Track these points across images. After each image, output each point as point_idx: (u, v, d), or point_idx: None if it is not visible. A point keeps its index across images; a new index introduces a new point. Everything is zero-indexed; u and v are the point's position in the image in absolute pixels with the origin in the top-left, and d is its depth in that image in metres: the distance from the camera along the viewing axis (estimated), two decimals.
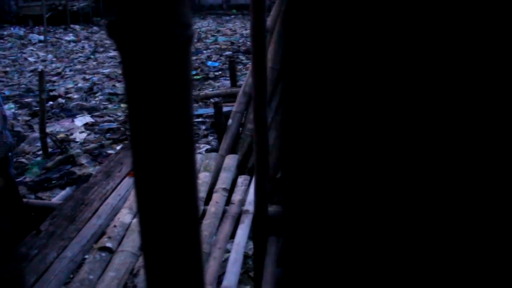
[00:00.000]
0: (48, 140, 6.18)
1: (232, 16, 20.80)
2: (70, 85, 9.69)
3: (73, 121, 7.42)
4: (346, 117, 0.37)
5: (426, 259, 0.38)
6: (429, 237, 0.38)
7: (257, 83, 2.80)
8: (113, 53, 12.84)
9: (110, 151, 6.10)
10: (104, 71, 10.91)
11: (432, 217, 0.38)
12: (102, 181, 3.75)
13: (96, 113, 7.81)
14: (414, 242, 0.38)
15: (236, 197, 3.53)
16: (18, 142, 6.26)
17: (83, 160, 5.98)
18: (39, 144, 6.23)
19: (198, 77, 9.73)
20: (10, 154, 3.35)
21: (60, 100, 8.55)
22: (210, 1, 22.53)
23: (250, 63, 7.51)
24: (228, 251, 3.07)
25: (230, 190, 3.70)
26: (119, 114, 7.76)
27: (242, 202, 3.47)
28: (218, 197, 3.52)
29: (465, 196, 0.37)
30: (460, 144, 0.36)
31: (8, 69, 11.46)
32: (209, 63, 11.21)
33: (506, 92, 0.35)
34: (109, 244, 2.84)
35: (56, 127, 7.10)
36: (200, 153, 5.26)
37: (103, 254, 2.76)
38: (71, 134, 6.92)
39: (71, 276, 2.83)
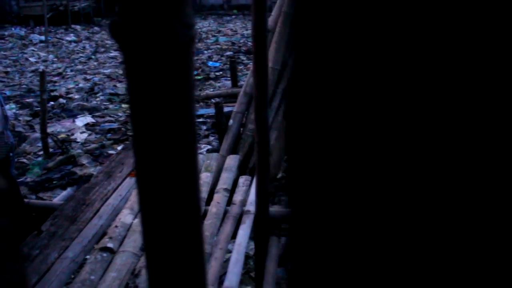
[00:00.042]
0: (49, 140, 6.18)
1: (233, 16, 20.80)
2: (71, 86, 9.69)
3: (74, 121, 7.42)
4: (352, 116, 0.37)
5: (431, 258, 0.38)
6: (432, 235, 0.38)
7: (258, 83, 2.79)
8: (114, 54, 12.85)
9: (111, 152, 6.10)
10: (105, 71, 10.91)
11: (435, 216, 0.37)
12: (103, 182, 3.75)
13: (97, 114, 7.81)
14: (422, 240, 0.38)
15: (237, 197, 3.53)
16: (19, 143, 6.27)
17: (84, 161, 5.99)
18: (40, 144, 6.23)
19: (199, 77, 9.73)
20: (11, 154, 3.35)
21: (61, 100, 8.56)
22: (211, 1, 22.54)
23: (251, 64, 7.51)
24: (230, 252, 3.07)
25: (231, 191, 3.70)
26: (120, 114, 7.77)
27: (243, 202, 3.47)
28: (219, 197, 3.52)
29: (477, 199, 0.36)
30: (469, 147, 0.36)
31: (9, 69, 11.47)
32: (210, 63, 11.22)
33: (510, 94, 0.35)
34: (110, 245, 2.84)
35: (57, 127, 7.11)
36: (201, 153, 5.26)
37: (105, 255, 2.75)
38: (72, 134, 6.93)
39: (72, 276, 2.83)
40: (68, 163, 5.89)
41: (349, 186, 0.38)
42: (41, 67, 10.81)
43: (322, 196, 0.39)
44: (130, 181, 3.74)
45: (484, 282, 0.38)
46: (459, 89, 0.35)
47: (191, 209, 0.79)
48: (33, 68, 11.46)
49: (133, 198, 3.43)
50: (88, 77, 10.41)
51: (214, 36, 15.36)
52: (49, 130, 6.28)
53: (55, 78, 10.37)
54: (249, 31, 14.00)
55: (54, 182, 5.42)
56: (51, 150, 6.16)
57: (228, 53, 12.33)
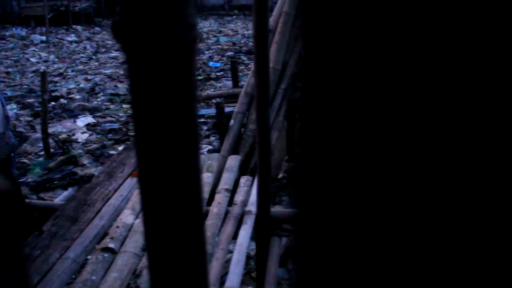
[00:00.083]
0: (50, 140, 6.18)
1: (234, 17, 20.81)
2: (72, 86, 9.70)
3: (75, 121, 7.43)
4: (364, 118, 0.37)
5: (444, 259, 0.38)
6: (445, 236, 0.38)
7: (259, 83, 2.79)
8: (114, 54, 12.86)
9: (112, 152, 6.11)
10: (106, 71, 10.92)
11: (443, 216, 0.37)
12: (105, 182, 3.75)
13: (98, 114, 7.82)
14: (438, 244, 0.38)
15: (239, 197, 3.53)
16: (20, 143, 6.27)
17: (85, 161, 5.99)
18: (41, 144, 6.24)
19: (200, 77, 9.73)
20: (12, 154, 3.35)
21: (62, 100, 8.56)
22: (212, 1, 22.54)
23: (251, 64, 7.52)
24: (231, 252, 3.07)
25: (233, 191, 3.70)
26: (121, 114, 7.77)
27: (245, 202, 3.47)
28: (220, 197, 3.52)
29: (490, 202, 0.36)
30: (481, 148, 0.36)
31: (10, 69, 11.48)
32: (211, 63, 11.22)
33: None
34: (111, 245, 2.84)
35: (58, 128, 7.11)
36: (202, 153, 5.26)
37: (106, 255, 2.76)
38: (73, 134, 6.93)
39: (74, 276, 2.83)
40: (69, 163, 5.89)
41: (363, 186, 0.38)
42: (42, 68, 10.82)
43: (335, 195, 0.39)
44: (131, 182, 3.74)
45: (487, 282, 0.38)
46: (474, 90, 0.35)
47: (193, 210, 0.79)
48: (34, 68, 11.47)
49: (134, 199, 3.43)
50: (89, 77, 10.42)
51: (215, 36, 15.36)
52: (50, 130, 6.29)
53: (56, 79, 10.38)
54: (250, 31, 14.01)
55: (55, 182, 5.42)
56: (52, 150, 6.17)
57: (229, 53, 12.33)
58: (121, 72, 10.53)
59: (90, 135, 6.92)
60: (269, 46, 4.27)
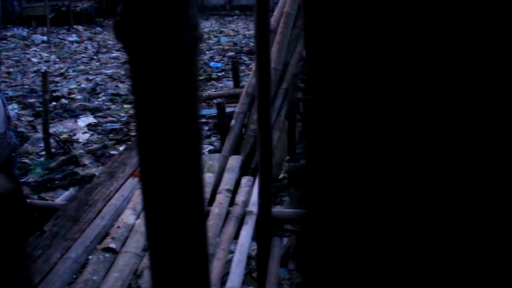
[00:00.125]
0: (51, 140, 6.19)
1: (235, 17, 20.81)
2: (73, 86, 9.70)
3: (76, 121, 7.43)
4: (369, 117, 0.37)
5: (448, 259, 0.38)
6: (449, 236, 0.38)
7: (261, 84, 2.79)
8: (116, 54, 12.87)
9: (113, 152, 6.11)
10: (107, 71, 10.92)
11: (452, 217, 0.37)
12: (106, 182, 3.75)
13: (99, 114, 7.82)
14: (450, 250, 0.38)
15: (240, 198, 3.53)
16: (21, 143, 6.27)
17: (86, 161, 5.99)
18: (42, 144, 6.24)
19: (201, 78, 9.73)
20: (13, 154, 3.35)
21: (63, 100, 8.57)
22: (213, 1, 22.54)
23: (252, 64, 7.51)
24: (232, 252, 3.07)
25: (234, 191, 3.70)
26: (122, 114, 7.77)
27: (246, 203, 3.46)
28: (221, 198, 3.52)
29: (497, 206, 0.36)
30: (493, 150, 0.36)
31: (11, 69, 11.48)
32: (212, 63, 11.22)
33: None
34: (112, 245, 2.84)
35: (59, 128, 7.11)
36: (203, 153, 5.25)
37: (107, 255, 2.76)
38: (74, 134, 6.93)
39: (75, 276, 2.83)
40: (70, 164, 5.89)
41: (369, 186, 0.38)
42: (43, 68, 10.83)
43: (341, 195, 0.39)
44: (133, 182, 3.74)
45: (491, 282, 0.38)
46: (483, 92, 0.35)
47: (195, 210, 0.79)
48: (35, 68, 11.48)
49: (136, 199, 3.43)
50: (90, 77, 10.42)
51: (216, 36, 15.36)
52: (51, 130, 6.29)
53: (57, 79, 10.39)
54: (251, 32, 14.01)
55: (56, 182, 5.42)
56: (53, 150, 6.17)
57: (230, 53, 12.33)
58: (122, 72, 10.54)
59: (91, 135, 6.93)
60: (271, 47, 4.27)
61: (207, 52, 12.50)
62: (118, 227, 3.05)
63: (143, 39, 0.64)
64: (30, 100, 8.58)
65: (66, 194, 4.84)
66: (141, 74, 0.68)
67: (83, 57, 12.97)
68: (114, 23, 0.66)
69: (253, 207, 3.31)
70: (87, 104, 8.34)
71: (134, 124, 0.73)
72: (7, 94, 8.74)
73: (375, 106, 0.37)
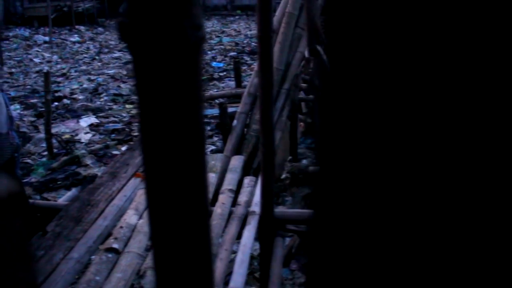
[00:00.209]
0: (54, 141, 6.20)
1: (237, 17, 20.82)
2: (75, 86, 9.72)
3: (78, 122, 7.44)
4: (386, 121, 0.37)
5: (454, 260, 0.38)
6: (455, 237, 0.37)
7: (263, 84, 2.79)
8: (117, 54, 12.88)
9: (115, 152, 6.12)
10: (109, 72, 10.93)
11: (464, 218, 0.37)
12: (108, 182, 3.75)
13: (101, 114, 7.83)
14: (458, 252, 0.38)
15: (242, 198, 3.53)
16: (23, 143, 6.28)
17: (88, 161, 6.00)
18: (44, 144, 6.25)
19: (203, 77, 9.73)
20: (16, 154, 3.36)
21: (65, 101, 8.58)
22: (214, 1, 22.55)
23: (254, 64, 7.51)
24: (234, 252, 3.07)
25: (236, 191, 3.69)
26: (124, 114, 7.78)
27: (248, 203, 3.46)
28: (224, 198, 3.51)
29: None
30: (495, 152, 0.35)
31: (13, 70, 11.51)
32: (214, 63, 11.23)
33: None
34: (115, 245, 2.84)
35: (61, 128, 7.12)
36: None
37: (110, 255, 2.76)
38: (76, 134, 6.94)
39: (77, 277, 2.83)
40: (72, 164, 5.90)
41: (380, 188, 0.38)
42: (45, 68, 10.84)
43: (351, 196, 0.39)
44: (135, 182, 3.74)
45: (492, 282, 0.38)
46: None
47: (199, 210, 0.78)
48: (37, 68, 11.49)
49: (138, 199, 3.43)
50: (92, 77, 10.44)
51: (218, 36, 15.37)
52: (53, 130, 6.30)
53: (59, 79, 10.40)
54: (253, 32, 14.02)
55: (59, 182, 5.43)
56: (55, 150, 6.18)
57: (232, 53, 12.34)
58: (124, 72, 10.55)
59: (93, 135, 6.93)
60: (273, 47, 4.27)
61: (209, 52, 12.51)
62: (121, 227, 3.05)
63: (147, 39, 0.64)
64: (32, 101, 8.59)
65: (69, 194, 4.84)
66: (145, 74, 0.67)
67: (85, 57, 12.98)
68: (117, 24, 0.66)
69: (256, 207, 3.30)
70: (89, 104, 8.35)
71: (137, 124, 0.73)
72: (9, 94, 8.76)
73: (388, 108, 0.36)
